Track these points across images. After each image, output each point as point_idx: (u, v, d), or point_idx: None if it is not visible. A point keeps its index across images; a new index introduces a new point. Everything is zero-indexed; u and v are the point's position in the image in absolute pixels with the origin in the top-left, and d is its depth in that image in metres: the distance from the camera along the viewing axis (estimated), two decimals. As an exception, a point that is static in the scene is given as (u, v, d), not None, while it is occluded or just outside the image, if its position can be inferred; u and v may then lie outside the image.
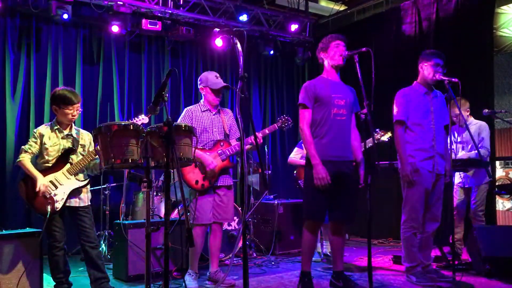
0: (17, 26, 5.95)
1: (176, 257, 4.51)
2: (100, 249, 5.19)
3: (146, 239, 2.63)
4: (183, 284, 3.95)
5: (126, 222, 4.57)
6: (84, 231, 3.76)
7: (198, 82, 4.34)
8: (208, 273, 4.30)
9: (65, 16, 5.75)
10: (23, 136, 5.83)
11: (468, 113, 5.08)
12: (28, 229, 3.92)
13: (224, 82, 4.29)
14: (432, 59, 4.11)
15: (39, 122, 5.88)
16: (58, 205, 3.65)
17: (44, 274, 3.82)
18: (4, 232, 3.73)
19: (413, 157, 4.09)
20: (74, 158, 3.77)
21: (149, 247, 2.65)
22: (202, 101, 4.33)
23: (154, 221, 4.62)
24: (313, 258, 4.83)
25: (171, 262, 4.50)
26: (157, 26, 6.40)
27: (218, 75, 4.29)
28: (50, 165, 3.73)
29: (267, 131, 4.37)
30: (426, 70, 4.15)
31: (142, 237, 4.30)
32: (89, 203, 3.88)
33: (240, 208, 5.17)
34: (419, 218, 4.08)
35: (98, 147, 2.71)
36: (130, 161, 2.60)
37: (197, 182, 4.08)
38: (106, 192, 5.58)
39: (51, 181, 3.66)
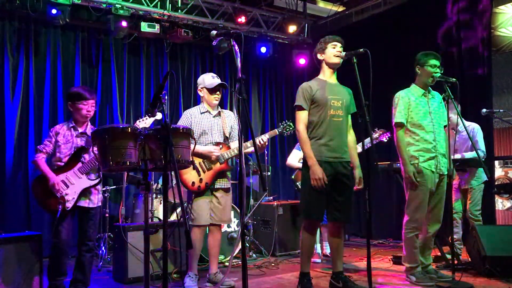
0: (16, 29, 5.96)
1: (176, 259, 4.52)
2: (100, 251, 5.21)
3: (145, 241, 2.63)
4: (183, 286, 3.96)
5: (126, 224, 4.57)
6: (85, 232, 3.79)
7: (197, 85, 4.35)
8: (207, 275, 4.30)
9: (64, 19, 5.76)
10: (22, 139, 5.84)
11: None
12: (27, 232, 3.92)
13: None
14: (429, 60, 4.11)
15: (38, 125, 5.89)
16: (69, 205, 3.67)
17: (44, 277, 3.83)
18: (3, 235, 3.73)
19: (416, 158, 4.09)
20: (87, 157, 3.78)
21: (148, 249, 2.65)
22: (201, 103, 4.34)
23: (153, 224, 4.62)
24: (313, 259, 4.85)
25: (171, 264, 4.51)
26: (156, 29, 6.41)
27: (215, 75, 4.30)
28: (62, 164, 3.76)
29: (268, 136, 4.35)
30: (423, 71, 4.15)
31: (141, 239, 4.29)
32: (99, 204, 3.90)
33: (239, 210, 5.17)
34: (422, 220, 4.08)
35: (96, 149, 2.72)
36: (128, 163, 2.60)
37: (193, 183, 4.08)
38: (106, 195, 5.59)
39: (62, 181, 3.68)
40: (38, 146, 3.86)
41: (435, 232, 4.19)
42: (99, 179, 3.81)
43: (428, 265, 4.22)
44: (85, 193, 3.75)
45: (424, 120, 4.11)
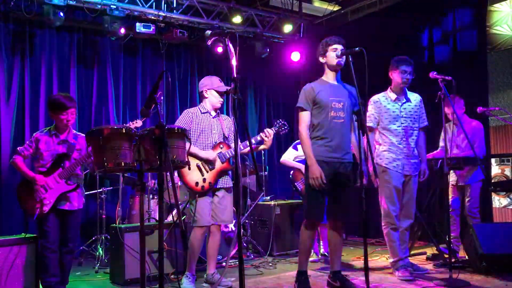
0: (10, 31, 5.94)
1: (174, 260, 4.51)
2: (97, 253, 5.20)
3: (141, 242, 2.63)
4: (180, 286, 3.95)
5: (122, 226, 4.56)
6: (65, 234, 3.86)
7: (200, 85, 4.35)
8: (205, 276, 4.29)
9: (59, 21, 5.74)
10: (18, 141, 5.82)
11: (463, 111, 5.09)
12: (23, 235, 3.92)
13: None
14: (400, 67, 4.31)
15: (34, 126, 5.87)
16: (46, 208, 3.73)
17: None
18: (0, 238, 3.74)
19: (381, 157, 4.31)
20: (67, 163, 3.85)
21: (144, 250, 2.64)
22: (202, 104, 4.35)
23: (149, 224, 4.61)
24: (311, 258, 4.85)
25: (170, 265, 4.50)
26: (151, 29, 6.40)
27: (220, 79, 4.37)
28: (44, 169, 3.83)
29: (258, 138, 4.35)
30: (395, 77, 4.35)
31: (138, 240, 4.29)
32: (81, 207, 3.96)
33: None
34: (393, 214, 4.27)
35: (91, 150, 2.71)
36: (122, 164, 2.59)
37: (197, 184, 4.09)
38: (102, 196, 5.58)
39: (42, 185, 3.74)
40: (18, 148, 3.93)
41: (407, 227, 4.40)
42: (76, 184, 3.88)
43: (405, 258, 4.35)
44: (64, 197, 3.82)
45: (393, 124, 4.32)
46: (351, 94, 3.93)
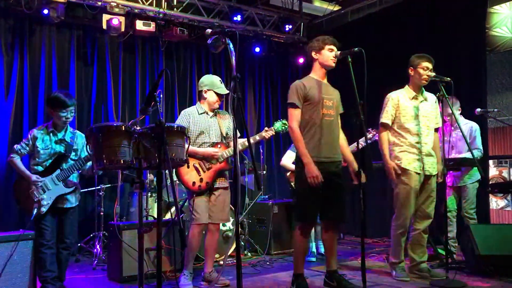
0: (10, 27, 5.93)
1: (171, 257, 4.52)
2: (95, 250, 5.20)
3: (139, 239, 2.63)
4: (177, 284, 3.96)
5: (120, 223, 4.57)
6: (62, 230, 3.87)
7: (200, 84, 4.34)
8: (202, 274, 4.30)
9: (59, 17, 5.73)
10: (16, 138, 5.80)
11: (459, 112, 5.10)
12: (21, 231, 3.92)
13: None
14: (422, 63, 4.18)
15: (32, 123, 5.86)
16: (44, 209, 3.72)
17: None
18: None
19: (400, 158, 4.19)
20: (65, 164, 3.84)
21: (142, 248, 2.65)
22: (199, 103, 4.34)
23: (147, 222, 4.62)
24: (307, 258, 4.86)
25: (168, 263, 4.50)
26: (151, 27, 6.39)
27: (221, 79, 4.34)
28: (41, 168, 3.81)
29: (258, 138, 4.40)
30: (415, 73, 4.22)
31: (136, 238, 4.29)
32: (77, 203, 3.97)
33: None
34: (407, 217, 4.17)
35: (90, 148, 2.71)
36: (122, 162, 2.60)
37: (194, 183, 4.10)
38: (101, 193, 5.57)
39: (40, 186, 3.74)
40: (14, 146, 3.89)
41: (425, 229, 4.26)
42: (74, 187, 3.89)
43: (421, 263, 4.27)
44: (62, 197, 3.83)
45: (410, 123, 4.21)
46: (338, 95, 3.94)
